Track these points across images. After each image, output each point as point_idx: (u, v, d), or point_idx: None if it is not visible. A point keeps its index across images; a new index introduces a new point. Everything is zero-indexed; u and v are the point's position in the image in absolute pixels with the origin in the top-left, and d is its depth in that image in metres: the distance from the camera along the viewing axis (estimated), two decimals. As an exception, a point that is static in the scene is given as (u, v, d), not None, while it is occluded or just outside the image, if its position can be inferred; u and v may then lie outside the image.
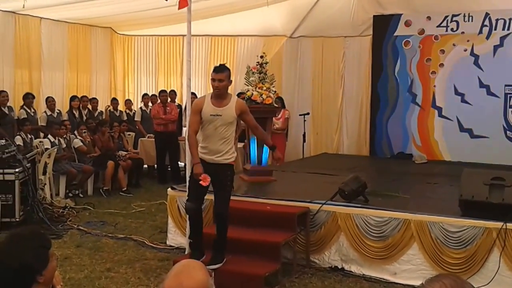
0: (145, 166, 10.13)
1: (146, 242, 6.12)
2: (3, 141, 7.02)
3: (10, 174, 6.56)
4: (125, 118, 10.64)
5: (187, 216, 5.07)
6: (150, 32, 11.41)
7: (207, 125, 4.68)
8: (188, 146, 4.83)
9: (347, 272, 5.21)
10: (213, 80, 4.69)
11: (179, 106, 10.72)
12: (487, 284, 4.72)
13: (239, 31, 10.96)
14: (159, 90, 10.54)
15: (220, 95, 4.68)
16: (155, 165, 10.19)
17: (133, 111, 10.95)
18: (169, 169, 9.99)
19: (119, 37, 11.56)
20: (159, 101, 10.06)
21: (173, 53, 11.69)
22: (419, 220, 4.97)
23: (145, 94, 10.98)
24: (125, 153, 9.44)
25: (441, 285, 1.49)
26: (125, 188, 8.82)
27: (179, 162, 10.05)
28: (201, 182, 4.57)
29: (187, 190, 5.02)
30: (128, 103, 11.06)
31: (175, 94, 10.77)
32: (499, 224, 4.69)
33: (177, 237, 6.04)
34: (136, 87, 11.82)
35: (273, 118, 9.82)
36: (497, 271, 4.69)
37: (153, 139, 9.96)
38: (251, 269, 4.71)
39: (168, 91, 10.52)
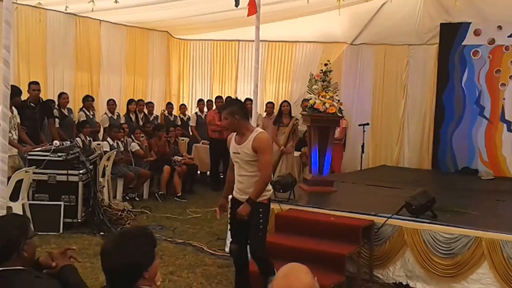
0: (198, 172, 10.48)
1: (205, 248, 6.41)
2: (67, 142, 7.50)
3: (74, 175, 6.99)
4: (179, 123, 11.01)
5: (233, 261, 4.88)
6: (206, 36, 11.80)
7: (234, 163, 4.65)
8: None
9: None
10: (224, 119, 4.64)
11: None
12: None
13: (297, 37, 11.17)
14: (214, 96, 10.86)
15: (237, 132, 4.57)
16: (208, 172, 10.52)
17: (187, 116, 11.33)
18: (222, 176, 10.29)
19: (175, 41, 12.00)
20: (214, 107, 10.37)
21: (228, 58, 12.02)
22: (491, 238, 5.03)
23: (201, 100, 11.33)
24: (181, 158, 9.79)
25: None
26: (180, 194, 9.17)
27: (232, 170, 10.32)
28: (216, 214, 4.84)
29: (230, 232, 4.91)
30: (182, 108, 11.44)
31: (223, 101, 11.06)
32: None
33: (236, 245, 6.28)
34: (190, 92, 12.22)
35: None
36: None
37: (207, 146, 10.29)
38: (316, 279, 4.88)
39: (214, 98, 10.82)
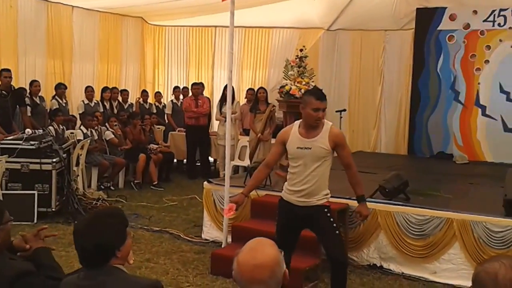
0: (175, 160, 10.56)
1: (182, 235, 6.52)
2: (40, 131, 7.51)
3: (47, 164, 7.03)
4: (155, 110, 11.04)
5: None
6: (181, 22, 11.79)
7: (295, 161, 4.17)
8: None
9: (386, 270, 5.50)
10: (316, 109, 4.06)
11: (209, 99, 11.08)
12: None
13: (274, 23, 11.24)
14: (191, 83, 10.90)
15: (316, 126, 4.13)
16: (185, 160, 10.60)
17: (163, 104, 11.36)
18: (199, 164, 10.39)
19: (150, 27, 11.99)
20: (190, 93, 10.43)
21: (204, 45, 12.04)
22: (462, 220, 5.23)
23: (176, 87, 11.37)
24: (156, 146, 9.84)
25: (500, 264, 1.73)
26: (156, 182, 9.24)
27: (209, 157, 10.44)
28: (224, 210, 4.27)
29: (276, 239, 4.20)
30: (158, 95, 11.47)
31: (203, 87, 11.11)
32: (544, 225, 4.93)
33: (212, 231, 6.42)
34: (166, 79, 12.23)
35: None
36: (542, 273, 4.93)
37: (184, 133, 10.36)
38: (291, 263, 5.02)
39: (190, 84, 10.84)
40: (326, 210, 4.22)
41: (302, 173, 4.15)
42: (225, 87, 9.26)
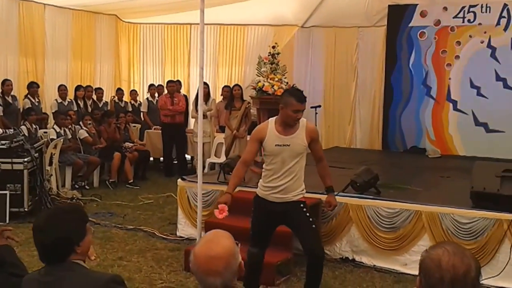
0: (151, 158, 10.52)
1: (156, 233, 6.51)
2: (11, 130, 7.42)
3: (18, 163, 6.96)
4: (130, 109, 10.99)
5: (247, 263, 4.19)
6: (156, 20, 11.73)
7: (272, 158, 4.19)
8: (231, 176, 4.42)
9: (358, 263, 5.57)
10: (296, 111, 4.10)
11: (186, 96, 11.09)
12: (498, 275, 5.04)
13: (249, 20, 11.27)
14: (166, 81, 10.87)
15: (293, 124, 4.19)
16: (161, 158, 10.57)
17: (139, 102, 11.31)
18: (176, 161, 10.37)
19: (125, 24, 11.90)
20: (166, 91, 10.40)
21: (180, 42, 12.01)
22: (430, 212, 5.32)
23: (152, 85, 11.33)
24: (131, 144, 9.80)
25: (443, 250, 1.79)
26: (132, 180, 9.21)
27: (186, 155, 10.43)
28: (215, 212, 4.15)
29: (250, 235, 4.40)
30: (133, 93, 11.41)
31: (180, 85, 11.10)
32: (510, 216, 5.02)
33: (187, 228, 6.42)
34: (141, 77, 12.17)
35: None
36: (508, 262, 5.03)
37: (160, 131, 10.33)
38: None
39: (166, 82, 10.82)
40: (302, 205, 4.28)
41: (279, 170, 4.18)
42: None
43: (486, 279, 5.01)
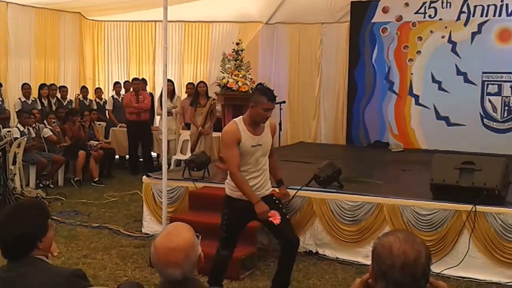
0: (117, 156, 10.41)
1: (121, 231, 6.45)
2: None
3: (-20, 163, 6.79)
4: (95, 107, 10.86)
5: (216, 264, 4.39)
6: (121, 17, 11.60)
7: (248, 159, 4.15)
8: (239, 185, 4.13)
9: (322, 255, 5.62)
10: (266, 110, 4.08)
11: (151, 94, 11.01)
12: (457, 265, 5.14)
13: (213, 17, 11.24)
14: (131, 78, 10.76)
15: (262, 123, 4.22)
16: (127, 156, 10.47)
17: (104, 100, 11.18)
18: (142, 159, 10.29)
19: (89, 22, 11.73)
20: (131, 89, 10.30)
21: (145, 40, 11.90)
22: (391, 204, 5.40)
23: (117, 82, 11.20)
24: (96, 143, 9.68)
25: (395, 238, 1.82)
26: (97, 179, 9.09)
27: (152, 152, 10.36)
28: (271, 220, 4.09)
29: (222, 237, 4.35)
30: (98, 91, 11.27)
31: (145, 83, 11.00)
32: (468, 207, 5.10)
33: (152, 225, 6.38)
34: (106, 75, 12.01)
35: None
36: (467, 252, 5.12)
37: (125, 129, 10.23)
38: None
39: (131, 80, 10.73)
40: (274, 198, 4.35)
41: (254, 169, 4.19)
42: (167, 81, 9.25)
43: (446, 269, 5.14)
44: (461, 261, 5.13)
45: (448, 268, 5.13)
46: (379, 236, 1.92)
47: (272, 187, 4.45)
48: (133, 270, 5.24)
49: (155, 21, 11.50)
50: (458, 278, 5.07)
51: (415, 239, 1.84)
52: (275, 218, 4.11)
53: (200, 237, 2.18)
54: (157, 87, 11.61)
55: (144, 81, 10.90)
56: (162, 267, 2.04)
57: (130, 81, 10.69)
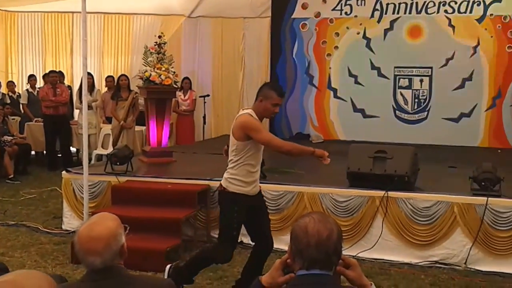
0: (33, 152, 10.07)
1: (40, 228, 6.29)
2: None
3: None
4: (8, 101, 10.45)
5: (213, 260, 4.41)
6: (35, 8, 11.17)
7: (257, 152, 4.21)
8: (293, 150, 4.31)
9: (246, 244, 5.72)
10: (275, 105, 4.15)
11: (70, 87, 10.72)
12: (372, 248, 5.46)
13: (134, 9, 11.06)
14: (48, 71, 10.42)
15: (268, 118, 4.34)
16: (44, 151, 10.15)
17: (17, 93, 10.77)
18: (60, 155, 10.00)
19: (1, 13, 11.22)
20: (48, 82, 9.98)
21: (61, 32, 11.53)
22: (311, 193, 5.64)
23: (32, 75, 10.81)
24: (11, 138, 9.31)
25: (310, 219, 1.98)
26: (12, 175, 8.77)
27: (71, 147, 10.11)
28: (326, 162, 4.27)
29: (232, 235, 4.24)
30: (10, 85, 10.85)
31: (63, 76, 10.70)
32: (381, 193, 5.43)
33: (73, 221, 6.27)
34: (20, 68, 11.54)
35: (180, 99, 10.25)
36: (380, 235, 5.45)
37: (41, 123, 9.92)
38: (152, 244, 5.11)
39: (48, 72, 10.43)
40: (261, 194, 4.44)
41: (257, 163, 4.23)
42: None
43: (361, 252, 5.44)
44: (375, 243, 5.44)
45: (363, 251, 5.44)
46: (298, 219, 2.06)
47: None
48: (54, 267, 5.14)
49: (72, 12, 11.16)
50: (373, 260, 5.37)
51: (327, 219, 2.01)
52: (326, 159, 4.24)
53: (128, 227, 2.23)
54: (75, 80, 11.32)
55: (61, 74, 10.58)
56: (83, 255, 2.08)
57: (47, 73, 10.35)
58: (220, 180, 5.75)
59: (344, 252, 2.04)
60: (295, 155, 4.38)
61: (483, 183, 5.28)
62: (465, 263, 5.23)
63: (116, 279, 2.07)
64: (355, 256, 5.27)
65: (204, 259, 4.38)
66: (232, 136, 4.14)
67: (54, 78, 9.84)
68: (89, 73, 9.32)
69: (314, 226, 1.93)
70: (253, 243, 4.52)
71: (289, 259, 2.01)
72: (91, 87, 9.59)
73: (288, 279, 2.00)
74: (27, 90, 10.58)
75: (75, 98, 10.10)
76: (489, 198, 5.14)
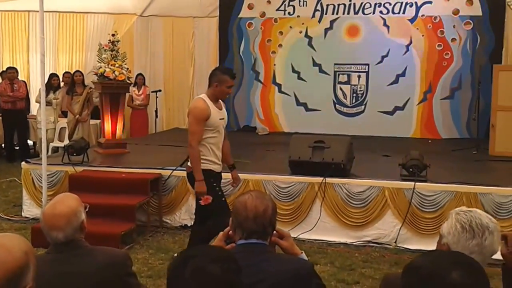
0: (-9, 145, 9.91)
1: (1, 215, 6.29)
2: None
3: None
4: (-35, 97, 10.16)
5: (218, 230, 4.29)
6: (-8, 6, 10.92)
7: (216, 132, 4.32)
8: (192, 159, 4.28)
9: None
10: (230, 87, 4.34)
11: (24, 82, 10.54)
12: (311, 229, 5.69)
13: (88, 8, 10.96)
14: (6, 67, 10.23)
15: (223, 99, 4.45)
16: (3, 144, 10.00)
17: (-26, 89, 10.48)
18: (18, 147, 9.88)
19: (-44, 11, 10.90)
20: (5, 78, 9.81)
21: (18, 29, 11.31)
22: (256, 180, 5.85)
23: (-11, 71, 10.56)
24: (-32, 132, 9.14)
25: (249, 195, 2.18)
26: (-29, 168, 8.62)
27: (28, 140, 10.00)
28: (201, 202, 4.19)
29: (223, 204, 4.36)
30: (-33, 81, 10.54)
31: (17, 72, 10.50)
32: (320, 179, 5.67)
33: (32, 209, 6.29)
34: (-23, 65, 11.25)
35: (134, 94, 10.27)
36: (319, 218, 5.69)
37: (0, 117, 9.76)
38: (108, 229, 5.20)
39: (6, 68, 10.23)
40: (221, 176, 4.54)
41: (219, 141, 4.40)
42: (51, 74, 9.58)
43: (302, 233, 5.65)
44: (314, 226, 5.67)
45: (304, 233, 5.67)
46: (238, 198, 2.27)
47: (224, 172, 4.62)
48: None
49: (29, 11, 11.00)
50: (312, 241, 5.60)
51: (264, 196, 2.23)
52: (205, 201, 4.17)
53: (88, 206, 2.39)
54: (31, 75, 11.14)
55: (15, 70, 10.38)
56: (47, 230, 2.24)
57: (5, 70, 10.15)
58: (171, 169, 5.96)
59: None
60: (191, 163, 4.33)
61: (411, 169, 5.56)
62: (395, 242, 5.48)
63: (77, 251, 2.23)
64: (296, 237, 5.46)
65: (211, 237, 4.09)
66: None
67: (12, 74, 9.71)
68: (55, 74, 9.68)
69: (252, 201, 2.14)
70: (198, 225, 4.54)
71: (231, 231, 2.20)
72: (57, 87, 9.60)
73: (230, 248, 2.20)
74: (-16, 85, 10.31)
75: (32, 93, 9.97)
76: (416, 183, 5.41)
